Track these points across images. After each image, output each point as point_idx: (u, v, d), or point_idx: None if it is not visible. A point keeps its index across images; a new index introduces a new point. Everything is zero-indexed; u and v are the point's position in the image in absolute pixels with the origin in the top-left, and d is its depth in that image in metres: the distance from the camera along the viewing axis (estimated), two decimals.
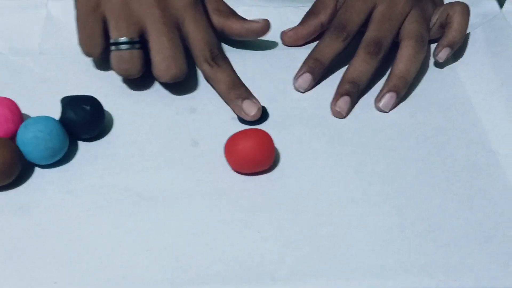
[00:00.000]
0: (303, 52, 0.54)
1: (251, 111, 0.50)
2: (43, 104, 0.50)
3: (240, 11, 0.56)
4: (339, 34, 0.53)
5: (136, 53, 0.49)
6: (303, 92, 0.53)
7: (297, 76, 0.53)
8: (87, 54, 0.52)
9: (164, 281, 0.41)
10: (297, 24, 0.57)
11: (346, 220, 0.45)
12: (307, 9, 0.58)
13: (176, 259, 0.42)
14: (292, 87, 0.54)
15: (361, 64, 0.52)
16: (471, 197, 0.46)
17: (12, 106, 0.47)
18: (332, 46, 0.53)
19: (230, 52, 0.55)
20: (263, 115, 0.51)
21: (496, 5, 0.57)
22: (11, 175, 0.44)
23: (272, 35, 0.56)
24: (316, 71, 0.53)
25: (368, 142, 0.50)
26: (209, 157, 0.48)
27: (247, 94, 0.51)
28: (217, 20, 0.55)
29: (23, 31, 0.56)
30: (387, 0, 0.54)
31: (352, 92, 0.52)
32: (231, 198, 0.46)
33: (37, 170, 0.46)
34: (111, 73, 0.53)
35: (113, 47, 0.50)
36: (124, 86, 0.53)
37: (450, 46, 0.54)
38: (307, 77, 0.53)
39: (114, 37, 0.49)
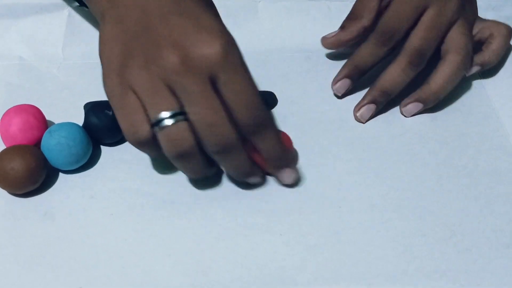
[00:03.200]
0: (322, 56, 0.55)
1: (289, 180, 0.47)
2: (67, 110, 0.51)
3: (261, 6, 0.56)
4: (385, 43, 0.51)
5: (183, 124, 0.41)
6: (340, 97, 0.53)
7: (335, 80, 0.53)
8: (134, 142, 0.43)
9: (186, 285, 0.41)
10: (319, 20, 0.57)
11: (367, 225, 0.45)
12: (330, 3, 0.57)
13: (198, 263, 0.42)
14: (312, 90, 0.54)
15: (400, 74, 0.50)
16: (492, 202, 0.46)
17: (37, 113, 0.47)
18: (376, 54, 0.51)
19: (251, 55, 0.56)
20: (272, 101, 0.51)
21: None
22: (36, 181, 0.45)
23: (294, 37, 0.56)
24: (355, 77, 0.53)
25: (389, 146, 0.50)
26: None
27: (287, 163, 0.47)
28: None
29: (46, 36, 0.56)
30: (438, 4, 0.49)
31: (380, 102, 0.51)
32: (252, 202, 0.46)
33: (61, 175, 0.47)
34: None
35: (156, 129, 0.41)
36: None
37: (482, 65, 0.53)
38: (346, 83, 0.52)
39: (153, 115, 0.41)
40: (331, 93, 0.54)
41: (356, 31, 0.53)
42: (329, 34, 0.55)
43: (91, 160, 0.48)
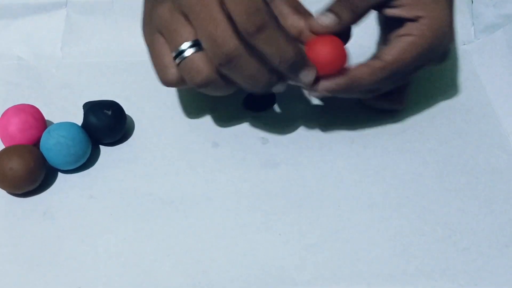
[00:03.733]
0: None
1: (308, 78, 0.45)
2: (66, 110, 0.51)
3: None
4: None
5: (197, 56, 0.43)
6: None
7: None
8: (166, 84, 0.46)
9: (185, 285, 0.41)
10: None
11: (367, 223, 0.45)
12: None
13: (197, 262, 0.42)
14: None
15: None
16: (491, 201, 0.46)
17: (35, 113, 0.47)
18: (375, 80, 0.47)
19: None
20: (271, 101, 0.51)
21: None
22: (35, 181, 0.45)
23: None
24: None
25: (388, 144, 0.50)
26: (230, 159, 0.49)
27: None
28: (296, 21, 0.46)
29: (45, 36, 0.56)
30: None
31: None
32: (252, 201, 0.46)
33: (60, 175, 0.47)
34: (132, 78, 0.53)
35: (177, 61, 0.44)
36: (145, 90, 0.53)
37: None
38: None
39: (173, 51, 0.44)
40: None
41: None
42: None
43: (90, 160, 0.48)
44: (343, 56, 0.45)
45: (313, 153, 0.49)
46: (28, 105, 0.48)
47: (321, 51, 0.44)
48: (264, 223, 0.45)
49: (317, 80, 0.45)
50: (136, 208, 0.45)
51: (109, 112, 0.47)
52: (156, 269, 0.42)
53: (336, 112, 0.52)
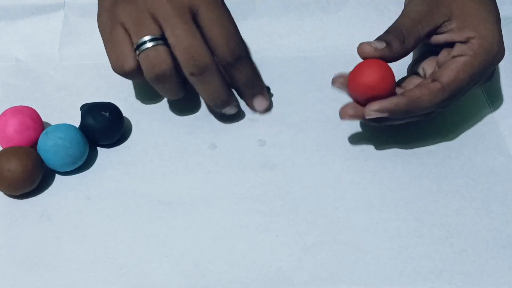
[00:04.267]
0: (319, 57, 0.55)
1: (261, 107, 0.52)
2: (63, 112, 0.51)
3: (258, 2, 0.57)
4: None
5: (162, 48, 0.46)
6: None
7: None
8: (121, 73, 0.48)
9: (183, 286, 0.41)
10: (317, 15, 0.58)
11: (364, 225, 0.45)
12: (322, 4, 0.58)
13: (195, 264, 0.42)
14: (309, 90, 0.54)
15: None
16: (489, 202, 0.46)
17: (33, 114, 0.47)
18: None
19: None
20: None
21: None
22: (32, 183, 0.45)
23: (291, 34, 0.56)
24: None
25: (386, 146, 0.50)
26: (228, 160, 0.49)
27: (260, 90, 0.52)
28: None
29: (43, 37, 0.56)
30: None
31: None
32: (249, 202, 0.46)
33: (58, 177, 0.47)
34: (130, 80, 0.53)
35: (137, 52, 0.46)
36: (142, 92, 0.53)
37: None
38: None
39: (135, 41, 0.46)
40: (328, 92, 0.53)
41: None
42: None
43: (87, 162, 0.48)
44: (393, 77, 0.45)
45: (310, 154, 0.49)
46: (26, 106, 0.48)
47: (374, 71, 0.44)
48: (262, 225, 0.45)
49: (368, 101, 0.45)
50: (134, 210, 0.45)
51: (107, 114, 0.47)
52: (154, 270, 0.42)
53: (333, 114, 0.52)
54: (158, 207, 0.46)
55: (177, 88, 0.48)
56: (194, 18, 0.46)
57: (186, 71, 0.46)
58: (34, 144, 0.46)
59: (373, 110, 0.44)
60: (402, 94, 0.45)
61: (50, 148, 0.45)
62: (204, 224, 0.45)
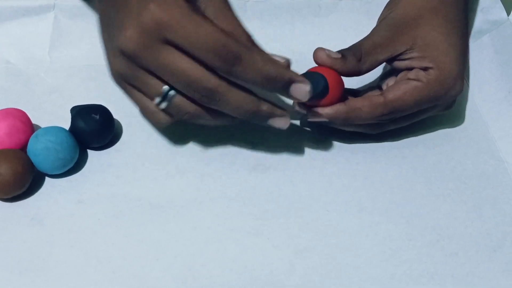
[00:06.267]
0: (310, 60, 0.54)
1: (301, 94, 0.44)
2: (53, 114, 0.51)
3: (249, 5, 0.57)
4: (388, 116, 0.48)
5: (175, 99, 0.42)
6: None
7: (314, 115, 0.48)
8: (160, 126, 0.45)
9: None
10: (309, 19, 0.58)
11: (356, 228, 0.45)
12: (320, 2, 0.58)
13: (186, 267, 0.42)
14: None
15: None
16: (479, 206, 0.47)
17: (23, 117, 0.47)
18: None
19: None
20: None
21: (504, 13, 0.56)
22: (22, 186, 0.44)
23: (283, 37, 0.56)
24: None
25: (377, 149, 0.50)
26: (219, 163, 0.49)
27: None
28: None
29: (33, 39, 0.56)
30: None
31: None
32: (241, 206, 0.46)
33: (48, 180, 0.47)
34: None
35: (162, 107, 0.43)
36: None
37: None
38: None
39: (152, 99, 0.43)
40: None
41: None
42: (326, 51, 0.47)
43: (78, 165, 0.47)
44: (341, 85, 0.46)
45: (302, 158, 0.49)
46: (16, 109, 0.47)
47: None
48: (253, 228, 0.45)
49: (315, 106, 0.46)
50: (125, 213, 0.45)
51: (97, 116, 0.47)
52: (145, 274, 0.42)
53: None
54: (150, 210, 0.45)
55: (219, 117, 0.44)
56: (169, 42, 0.40)
57: (205, 104, 0.42)
58: (24, 147, 0.46)
59: (312, 113, 0.46)
60: (344, 102, 0.46)
61: (40, 151, 0.45)
62: (196, 227, 0.44)
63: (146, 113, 0.44)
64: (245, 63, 0.40)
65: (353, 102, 0.47)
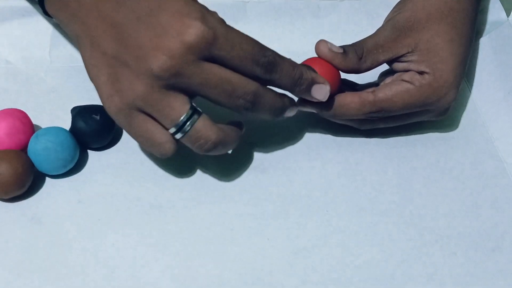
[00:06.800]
0: None
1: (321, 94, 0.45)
2: (54, 115, 0.51)
3: (249, 6, 0.57)
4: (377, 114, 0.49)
5: (200, 122, 0.41)
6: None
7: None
8: (163, 156, 0.43)
9: None
10: (308, 19, 0.58)
11: (355, 229, 0.45)
12: (319, 2, 0.58)
13: (186, 267, 0.42)
14: None
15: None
16: (478, 206, 0.47)
17: (23, 117, 0.47)
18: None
19: None
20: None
21: (503, 13, 0.57)
22: (23, 186, 0.45)
23: (282, 38, 0.56)
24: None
25: (376, 150, 0.50)
26: (219, 163, 0.49)
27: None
28: None
29: (33, 39, 0.56)
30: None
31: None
32: (240, 206, 0.46)
33: (48, 180, 0.47)
34: None
35: (179, 135, 0.42)
36: None
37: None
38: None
39: (169, 127, 0.41)
40: None
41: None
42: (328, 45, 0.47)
43: (78, 165, 0.48)
44: (336, 79, 0.46)
45: (301, 158, 0.49)
46: (16, 109, 0.47)
47: (317, 67, 0.45)
48: (253, 228, 0.45)
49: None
50: (125, 213, 0.45)
51: (98, 117, 0.47)
52: (145, 274, 0.42)
53: (323, 118, 0.52)
54: (149, 211, 0.45)
55: (233, 142, 0.44)
56: (211, 57, 0.40)
57: (241, 111, 0.42)
58: (24, 148, 0.46)
59: (303, 102, 0.46)
60: (334, 97, 0.47)
61: (40, 152, 0.45)
62: (195, 228, 0.45)
63: (151, 144, 0.42)
64: (280, 69, 0.42)
65: (342, 97, 0.47)
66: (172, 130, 0.41)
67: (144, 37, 0.39)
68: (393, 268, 0.43)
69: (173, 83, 0.40)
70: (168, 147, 0.42)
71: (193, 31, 0.39)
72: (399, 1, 0.51)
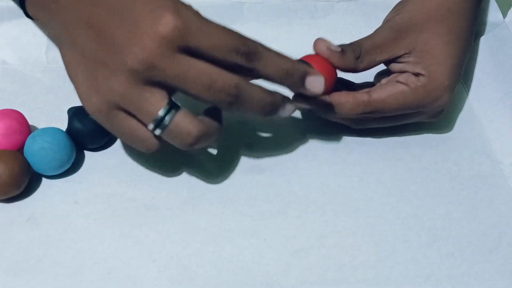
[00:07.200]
0: None
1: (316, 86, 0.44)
2: (50, 115, 0.51)
3: (246, 7, 0.57)
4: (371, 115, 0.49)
5: (180, 115, 0.40)
6: None
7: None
8: (153, 154, 0.43)
9: None
10: (305, 20, 0.58)
11: (352, 229, 0.45)
12: (316, 3, 0.58)
13: (183, 268, 0.42)
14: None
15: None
16: (475, 206, 0.47)
17: (20, 117, 0.47)
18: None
19: None
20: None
21: (500, 14, 0.57)
22: (19, 187, 0.44)
23: (279, 39, 0.56)
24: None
25: (373, 150, 0.50)
26: (216, 164, 0.49)
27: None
28: None
29: (30, 40, 0.56)
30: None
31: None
32: (237, 207, 0.46)
33: (45, 180, 0.47)
34: None
35: (158, 131, 0.40)
36: None
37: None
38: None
39: (148, 123, 0.40)
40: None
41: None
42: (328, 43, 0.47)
43: (74, 166, 0.47)
44: (332, 76, 0.46)
45: (298, 159, 0.49)
46: (12, 110, 0.47)
47: (314, 64, 0.45)
48: (250, 229, 0.45)
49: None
50: (121, 214, 0.45)
51: None
52: (142, 275, 0.42)
53: (321, 118, 0.52)
54: (146, 211, 0.45)
55: (215, 134, 0.43)
56: (187, 49, 0.39)
57: (226, 107, 0.41)
58: (21, 148, 0.46)
59: (298, 98, 0.46)
60: (328, 95, 0.47)
61: (37, 152, 0.45)
62: (192, 228, 0.45)
63: (135, 141, 0.42)
64: (264, 59, 0.41)
65: (337, 96, 0.47)
66: (151, 126, 0.40)
67: (119, 33, 0.39)
68: (390, 269, 0.43)
69: (149, 76, 0.39)
70: (153, 143, 0.41)
71: (165, 22, 0.38)
72: (398, 3, 0.51)
